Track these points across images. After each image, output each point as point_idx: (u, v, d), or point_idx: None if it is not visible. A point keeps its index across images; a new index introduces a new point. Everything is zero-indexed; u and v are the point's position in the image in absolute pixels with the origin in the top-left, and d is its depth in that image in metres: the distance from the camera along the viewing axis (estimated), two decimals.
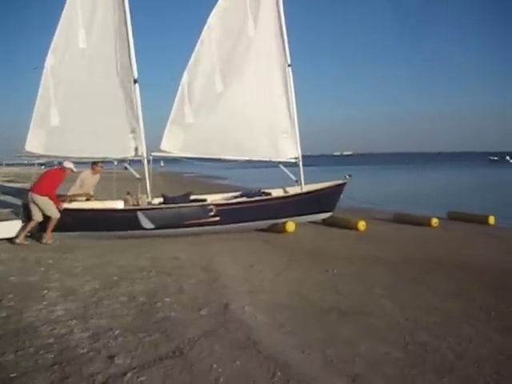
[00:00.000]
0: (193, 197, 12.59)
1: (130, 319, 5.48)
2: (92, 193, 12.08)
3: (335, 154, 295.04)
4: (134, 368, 4.21)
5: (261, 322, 5.48)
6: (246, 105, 13.10)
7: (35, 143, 11.85)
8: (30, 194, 10.89)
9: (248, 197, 12.97)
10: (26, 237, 10.67)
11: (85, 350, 4.59)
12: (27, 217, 10.75)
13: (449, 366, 4.38)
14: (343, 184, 13.86)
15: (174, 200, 12.28)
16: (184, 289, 6.81)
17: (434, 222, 13.60)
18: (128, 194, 12.16)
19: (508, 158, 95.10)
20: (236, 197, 13.27)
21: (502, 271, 8.11)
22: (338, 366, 4.33)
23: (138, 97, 12.40)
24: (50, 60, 11.81)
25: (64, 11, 11.77)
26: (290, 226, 12.13)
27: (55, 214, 10.79)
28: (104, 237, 10.97)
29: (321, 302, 6.26)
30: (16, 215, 11.14)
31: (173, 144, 12.66)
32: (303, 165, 13.45)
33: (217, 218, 11.83)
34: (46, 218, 10.73)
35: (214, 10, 12.78)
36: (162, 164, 78.38)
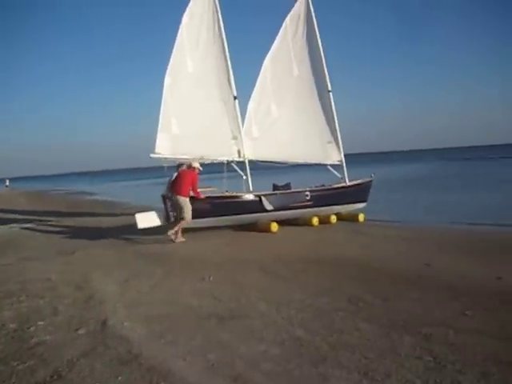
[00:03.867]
0: None
1: (0, 348, 5.20)
2: None
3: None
4: None
5: (141, 334, 5.46)
6: (297, 123, 16.87)
7: (162, 146, 14.26)
8: (173, 195, 12.99)
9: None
10: (176, 234, 12.63)
11: None
12: (173, 215, 13.08)
13: (323, 356, 4.68)
14: (371, 180, 17.69)
15: (282, 188, 15.86)
16: (59, 310, 6.57)
17: (315, 220, 14.55)
18: (226, 192, 14.48)
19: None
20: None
21: (366, 264, 8.74)
22: (220, 369, 4.46)
23: (237, 111, 15.70)
24: (167, 80, 14.47)
25: (176, 43, 14.63)
26: (274, 226, 14.06)
27: (189, 217, 12.74)
28: (235, 221, 14.24)
29: (199, 309, 6.35)
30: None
31: (247, 152, 15.75)
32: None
33: (311, 202, 15.38)
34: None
35: (268, 54, 16.75)
36: (7, 183, 74.84)
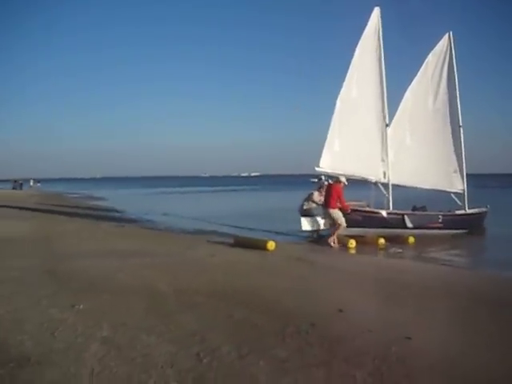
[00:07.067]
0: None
1: None
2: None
3: (243, 174, 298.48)
4: None
5: None
6: (428, 152, 18.87)
7: (325, 162, 16.71)
8: (324, 209, 15.69)
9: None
10: (333, 240, 15.17)
11: None
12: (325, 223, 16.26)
13: None
14: (487, 211, 20.05)
15: (421, 210, 18.12)
16: None
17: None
18: (367, 207, 17.01)
19: (323, 178, 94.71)
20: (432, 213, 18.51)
21: (272, 303, 7.29)
22: None
23: (387, 136, 17.90)
24: (338, 105, 17.00)
25: (347, 76, 17.21)
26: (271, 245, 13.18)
27: (343, 223, 15.10)
28: (379, 233, 16.10)
29: (15, 348, 5.11)
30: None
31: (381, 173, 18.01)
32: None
33: (441, 224, 17.74)
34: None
35: (409, 87, 19.03)
36: (32, 184, 75.83)
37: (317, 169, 16.75)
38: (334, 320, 6.51)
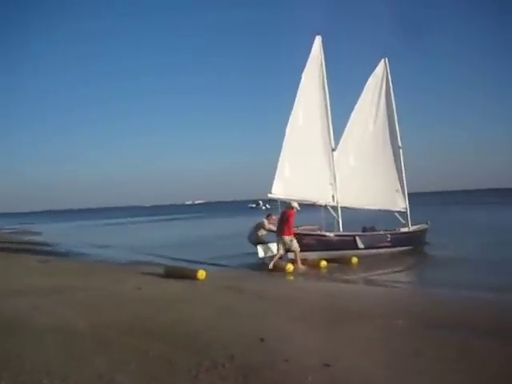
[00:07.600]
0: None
1: None
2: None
3: (187, 203, 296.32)
4: None
5: None
6: (371, 174, 19.52)
7: (277, 188, 17.20)
8: (278, 236, 15.78)
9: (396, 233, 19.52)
10: (274, 265, 15.24)
11: None
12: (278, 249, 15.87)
13: None
14: (428, 228, 20.76)
15: (370, 230, 18.64)
16: None
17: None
18: (319, 229, 17.31)
19: (261, 203, 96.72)
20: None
21: (192, 336, 7.02)
22: None
23: (334, 161, 18.56)
24: (287, 132, 17.55)
25: (295, 103, 17.83)
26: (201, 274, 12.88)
27: (297, 249, 15.56)
28: (331, 256, 16.48)
29: None
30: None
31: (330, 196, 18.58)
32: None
33: (389, 243, 18.45)
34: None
35: (354, 110, 19.69)
36: None
37: (269, 195, 17.15)
38: (253, 350, 6.26)
